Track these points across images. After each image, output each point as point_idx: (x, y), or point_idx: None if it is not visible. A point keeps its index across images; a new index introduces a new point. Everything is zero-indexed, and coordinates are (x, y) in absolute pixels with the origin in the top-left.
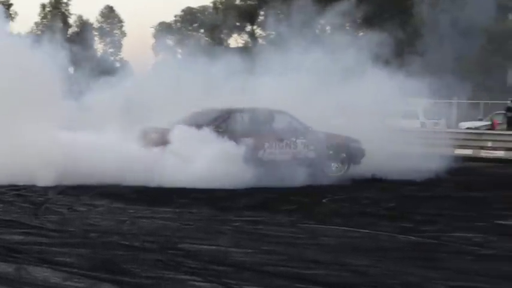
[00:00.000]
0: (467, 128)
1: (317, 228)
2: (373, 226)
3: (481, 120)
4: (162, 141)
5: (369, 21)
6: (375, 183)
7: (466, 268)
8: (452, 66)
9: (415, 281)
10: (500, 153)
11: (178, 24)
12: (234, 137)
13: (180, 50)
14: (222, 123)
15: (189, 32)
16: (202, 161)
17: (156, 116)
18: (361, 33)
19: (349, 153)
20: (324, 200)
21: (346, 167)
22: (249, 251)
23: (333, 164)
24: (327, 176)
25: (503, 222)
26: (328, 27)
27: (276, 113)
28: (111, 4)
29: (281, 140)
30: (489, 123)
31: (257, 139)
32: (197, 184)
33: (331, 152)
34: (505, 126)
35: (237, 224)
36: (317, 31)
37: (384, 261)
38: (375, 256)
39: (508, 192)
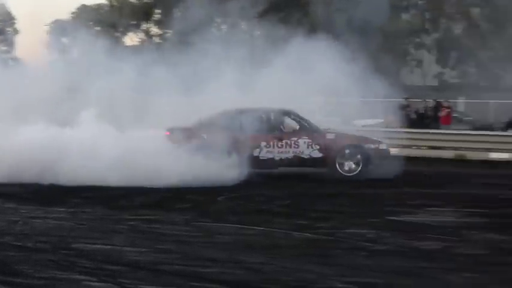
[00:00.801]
0: (363, 126)
1: (212, 226)
2: (268, 223)
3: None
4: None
5: (265, 19)
6: (270, 181)
7: (360, 264)
8: (348, 64)
9: (310, 277)
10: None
11: (73, 22)
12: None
13: (74, 48)
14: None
15: (84, 30)
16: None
17: (46, 116)
18: (258, 32)
19: (364, 154)
20: (219, 198)
21: (360, 168)
22: (144, 250)
23: (346, 164)
24: (340, 175)
25: (395, 218)
26: (224, 26)
27: (282, 113)
28: (2, 1)
29: (280, 139)
30: (382, 121)
31: (254, 138)
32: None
33: (347, 152)
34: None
35: (132, 223)
36: (213, 29)
37: (279, 259)
38: (270, 253)
39: (401, 189)
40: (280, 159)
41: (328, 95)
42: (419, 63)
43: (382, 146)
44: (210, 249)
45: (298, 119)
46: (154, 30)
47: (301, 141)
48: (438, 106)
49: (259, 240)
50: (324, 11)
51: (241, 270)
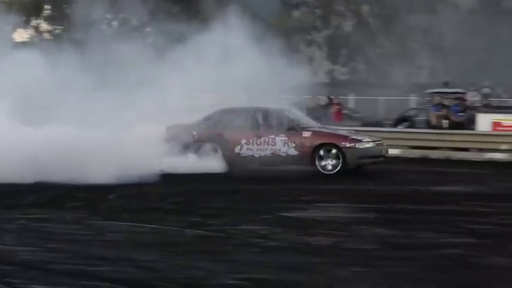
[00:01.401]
0: None
1: (103, 225)
2: (161, 221)
3: None
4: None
5: (156, 17)
6: (165, 178)
7: (252, 260)
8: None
9: (201, 274)
10: None
11: None
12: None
13: None
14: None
15: None
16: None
17: None
18: (148, 29)
19: (340, 152)
20: (110, 196)
21: (340, 165)
22: (35, 249)
23: (323, 162)
24: (321, 173)
25: (287, 215)
26: (114, 22)
27: (270, 110)
28: None
29: (259, 137)
30: None
31: (235, 136)
32: None
33: (322, 150)
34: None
35: (23, 221)
36: (103, 26)
37: (171, 256)
38: (163, 251)
39: (292, 185)
40: (260, 156)
41: (221, 92)
42: (310, 60)
43: (360, 145)
44: (101, 247)
45: (284, 116)
46: (44, 26)
47: (278, 138)
48: (329, 103)
49: (152, 238)
50: (217, 6)
51: (134, 268)
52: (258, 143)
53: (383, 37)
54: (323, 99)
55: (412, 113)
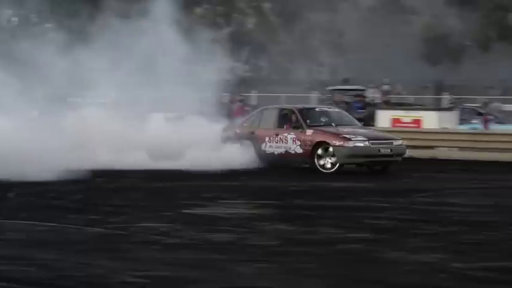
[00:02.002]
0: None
1: (3, 224)
2: (60, 219)
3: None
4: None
5: (56, 13)
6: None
7: (152, 257)
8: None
9: (101, 272)
10: None
11: None
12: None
13: None
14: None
15: None
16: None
17: None
18: (49, 25)
19: (334, 151)
20: (9, 195)
21: (337, 164)
22: None
23: (322, 160)
24: (320, 171)
25: (188, 211)
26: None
27: (285, 109)
28: None
29: (277, 135)
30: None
31: (261, 133)
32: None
33: (319, 148)
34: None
35: None
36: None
37: (71, 254)
38: (62, 249)
39: (194, 182)
40: (278, 153)
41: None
42: (213, 57)
43: (349, 144)
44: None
45: (297, 115)
46: None
47: (289, 136)
48: (232, 100)
49: (51, 237)
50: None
51: (33, 267)
52: (276, 141)
53: (285, 34)
54: (225, 97)
55: None
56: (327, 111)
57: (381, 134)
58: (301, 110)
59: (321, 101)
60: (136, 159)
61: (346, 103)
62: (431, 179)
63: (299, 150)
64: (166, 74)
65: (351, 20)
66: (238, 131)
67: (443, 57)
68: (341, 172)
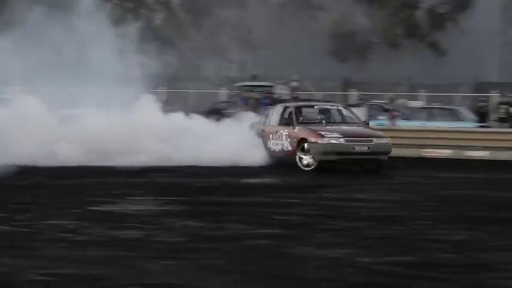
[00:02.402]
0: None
1: None
2: None
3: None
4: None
5: None
6: None
7: (60, 255)
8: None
9: (5, 271)
10: None
11: None
12: None
13: None
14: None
15: None
16: None
17: None
18: None
19: (310, 147)
20: None
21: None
22: None
23: (304, 158)
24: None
25: (96, 208)
26: None
27: (286, 106)
28: None
29: (277, 132)
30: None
31: (269, 130)
32: None
33: (303, 145)
34: None
35: None
36: None
37: None
38: None
39: (102, 179)
40: (278, 150)
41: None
42: (121, 53)
43: (323, 140)
44: None
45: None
46: None
47: (283, 134)
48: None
49: None
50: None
51: None
52: (276, 138)
53: (194, 31)
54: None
55: (221, 106)
56: (326, 108)
57: (365, 132)
58: (297, 107)
59: (230, 97)
60: (65, 154)
61: (255, 99)
62: (339, 174)
63: (289, 148)
64: (77, 69)
65: (259, 16)
66: (251, 127)
67: (351, 54)
68: (286, 169)
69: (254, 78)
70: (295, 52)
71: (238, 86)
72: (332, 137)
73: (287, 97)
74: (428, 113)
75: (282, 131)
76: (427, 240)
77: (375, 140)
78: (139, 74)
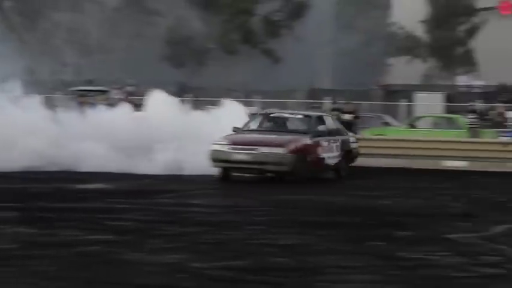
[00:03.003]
0: None
1: None
2: None
3: None
4: None
5: None
6: None
7: None
8: None
9: None
10: None
11: None
12: None
13: None
14: None
15: None
16: None
17: None
18: None
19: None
20: None
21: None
22: None
23: None
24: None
25: None
26: None
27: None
28: None
29: None
30: None
31: None
32: None
33: None
34: None
35: None
36: None
37: None
38: None
39: None
40: None
41: None
42: None
43: (211, 148)
44: None
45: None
46: None
47: None
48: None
49: None
50: None
51: None
52: None
53: (28, 34)
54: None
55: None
56: (283, 117)
57: (266, 140)
58: (263, 114)
59: (66, 101)
60: None
61: (91, 104)
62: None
63: None
64: None
65: (95, 20)
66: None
67: (187, 60)
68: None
69: (90, 82)
70: (131, 57)
71: (73, 91)
72: (219, 143)
73: (123, 102)
74: None
75: None
76: (260, 245)
77: (262, 150)
78: None
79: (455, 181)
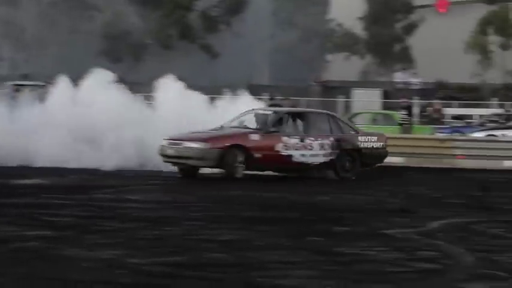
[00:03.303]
0: None
1: None
2: None
3: None
4: None
5: None
6: None
7: None
8: None
9: None
10: None
11: None
12: None
13: None
14: None
15: None
16: None
17: None
18: None
19: None
20: None
21: None
22: None
23: None
24: None
25: None
26: None
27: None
28: None
29: None
30: None
31: None
32: None
33: None
34: None
35: None
36: None
37: None
38: None
39: None
40: None
41: None
42: None
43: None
44: None
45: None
46: None
47: None
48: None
49: None
50: None
51: None
52: None
53: None
54: None
55: None
56: (267, 114)
57: (197, 135)
58: (246, 111)
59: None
60: None
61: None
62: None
63: None
64: None
65: (31, 14)
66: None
67: (124, 55)
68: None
69: (25, 77)
70: (68, 51)
71: (9, 85)
72: (166, 139)
73: None
74: None
75: None
76: (198, 240)
77: (187, 144)
78: None
79: (393, 177)
